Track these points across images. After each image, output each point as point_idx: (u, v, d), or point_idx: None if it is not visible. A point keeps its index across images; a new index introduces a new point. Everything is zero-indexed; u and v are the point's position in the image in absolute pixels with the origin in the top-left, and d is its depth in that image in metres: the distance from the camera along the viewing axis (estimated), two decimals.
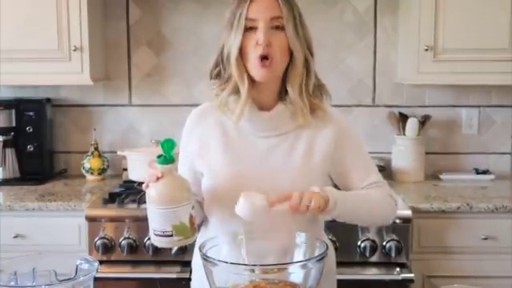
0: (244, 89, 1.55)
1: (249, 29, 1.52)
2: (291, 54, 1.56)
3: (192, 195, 1.43)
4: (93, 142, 3.00)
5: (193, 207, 1.41)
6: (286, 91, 1.59)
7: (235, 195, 1.50)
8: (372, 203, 1.60)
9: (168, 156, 1.40)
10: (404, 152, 2.94)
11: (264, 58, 1.51)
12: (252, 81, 1.57)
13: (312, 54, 1.60)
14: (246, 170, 1.58)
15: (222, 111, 1.61)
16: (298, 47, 1.55)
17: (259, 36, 1.51)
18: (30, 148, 2.92)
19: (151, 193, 1.39)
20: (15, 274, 1.29)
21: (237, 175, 1.57)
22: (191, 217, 1.39)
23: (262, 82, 1.56)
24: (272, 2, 1.53)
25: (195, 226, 1.44)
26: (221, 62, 1.59)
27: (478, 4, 2.64)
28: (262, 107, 1.60)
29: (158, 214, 1.37)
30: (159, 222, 1.37)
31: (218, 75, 1.61)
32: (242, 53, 1.54)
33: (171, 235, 1.37)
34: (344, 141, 1.62)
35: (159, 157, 1.40)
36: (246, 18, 1.52)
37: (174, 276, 2.36)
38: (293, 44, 1.54)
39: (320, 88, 1.63)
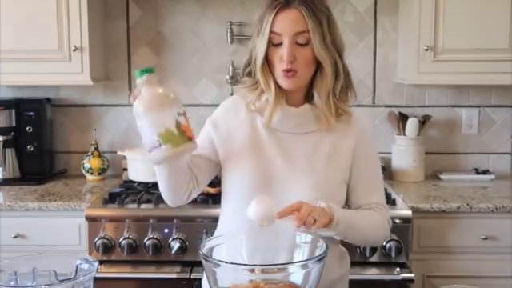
0: (271, 95, 1.58)
1: (275, 43, 1.53)
2: (318, 62, 1.56)
3: (178, 102, 1.37)
4: (93, 142, 3.00)
5: (181, 114, 1.34)
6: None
7: (255, 189, 1.55)
8: (369, 228, 1.60)
9: (146, 69, 1.35)
10: (404, 152, 2.94)
11: (289, 70, 1.53)
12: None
13: (342, 57, 1.59)
14: (268, 166, 1.59)
15: (250, 111, 1.63)
16: (325, 58, 1.55)
17: (283, 52, 1.52)
18: (30, 148, 2.92)
19: (135, 106, 1.35)
20: (15, 274, 1.28)
21: (259, 171, 1.58)
22: (179, 123, 1.32)
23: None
24: (297, 15, 1.52)
25: (187, 134, 1.35)
26: (251, 62, 1.61)
27: (478, 4, 2.64)
28: (290, 104, 1.61)
29: (143, 125, 1.33)
30: (146, 134, 1.32)
31: (250, 74, 1.62)
32: (268, 62, 1.56)
33: (159, 145, 1.31)
34: (362, 151, 1.63)
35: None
36: (271, 31, 1.52)
37: (174, 276, 2.36)
38: (320, 56, 1.54)
39: (348, 88, 1.63)
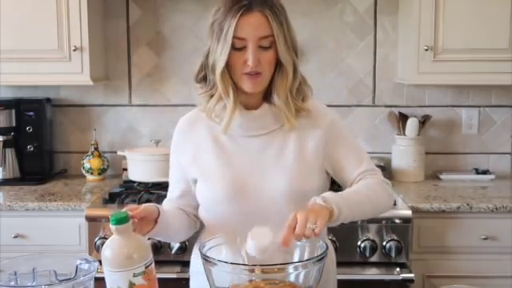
0: (230, 101, 1.55)
1: (237, 47, 1.51)
2: (277, 63, 1.55)
3: (141, 260, 1.30)
4: (93, 142, 3.00)
5: (140, 274, 1.31)
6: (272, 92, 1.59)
7: (231, 198, 1.55)
8: (373, 196, 1.57)
9: (121, 217, 1.32)
10: (404, 152, 2.94)
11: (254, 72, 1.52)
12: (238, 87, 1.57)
13: (297, 56, 1.58)
14: (239, 172, 1.58)
15: (210, 117, 1.61)
16: (288, 59, 1.54)
17: (248, 57, 1.50)
18: (30, 148, 2.92)
19: (103, 248, 1.34)
20: (15, 274, 1.29)
21: (232, 178, 1.57)
22: (132, 284, 1.31)
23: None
24: (261, 19, 1.50)
25: None
26: (206, 67, 1.59)
27: (477, 4, 2.64)
28: (248, 107, 1.60)
29: (104, 269, 1.32)
30: (106, 280, 1.32)
31: (204, 80, 1.61)
32: (228, 66, 1.53)
33: None
34: (333, 134, 1.62)
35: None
36: (234, 36, 1.49)
37: (174, 276, 2.36)
38: (283, 58, 1.53)
39: (303, 85, 1.62)
